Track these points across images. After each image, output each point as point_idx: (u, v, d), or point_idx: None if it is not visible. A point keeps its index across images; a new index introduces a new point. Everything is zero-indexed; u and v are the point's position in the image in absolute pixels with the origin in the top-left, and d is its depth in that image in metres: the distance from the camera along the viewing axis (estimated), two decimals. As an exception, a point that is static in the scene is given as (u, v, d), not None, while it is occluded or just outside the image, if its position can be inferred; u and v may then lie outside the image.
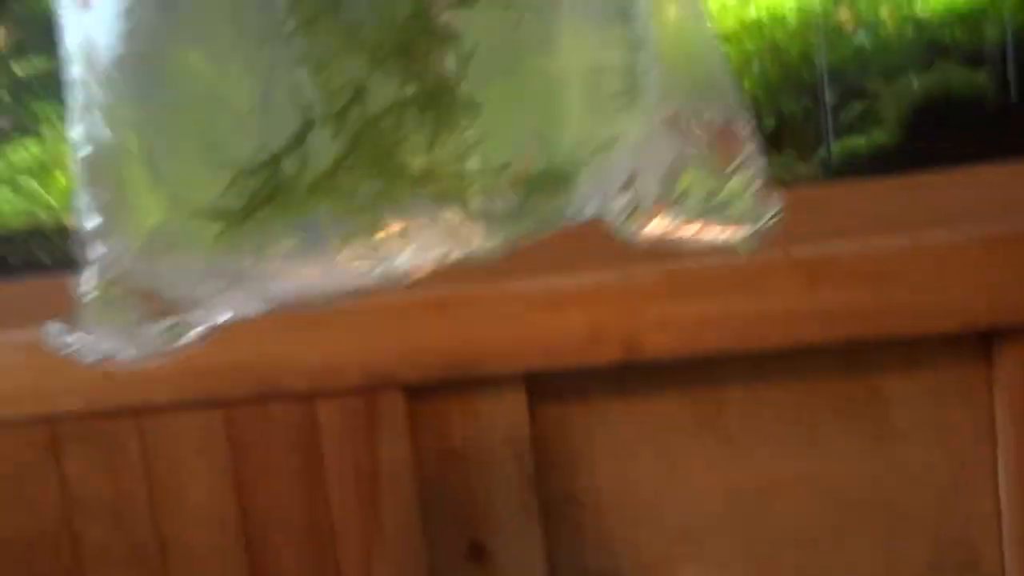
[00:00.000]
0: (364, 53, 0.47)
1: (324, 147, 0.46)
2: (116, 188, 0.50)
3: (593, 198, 0.53)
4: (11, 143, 1.41)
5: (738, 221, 0.59)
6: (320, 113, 0.47)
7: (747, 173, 0.58)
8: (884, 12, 1.24)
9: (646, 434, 1.07)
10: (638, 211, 0.57)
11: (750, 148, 0.59)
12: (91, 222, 0.51)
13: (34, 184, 1.32)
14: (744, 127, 0.59)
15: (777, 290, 1.02)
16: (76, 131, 0.51)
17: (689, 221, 0.58)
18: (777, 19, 1.28)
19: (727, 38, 1.26)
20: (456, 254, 0.51)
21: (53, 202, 1.30)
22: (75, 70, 0.51)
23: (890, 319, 1.02)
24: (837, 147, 1.23)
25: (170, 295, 0.51)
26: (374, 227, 0.48)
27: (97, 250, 0.51)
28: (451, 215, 0.48)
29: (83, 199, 0.51)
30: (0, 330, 1.05)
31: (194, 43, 0.49)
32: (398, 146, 0.47)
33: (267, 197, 0.47)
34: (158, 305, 0.51)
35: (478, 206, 0.49)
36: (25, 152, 1.32)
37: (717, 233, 0.59)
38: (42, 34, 1.15)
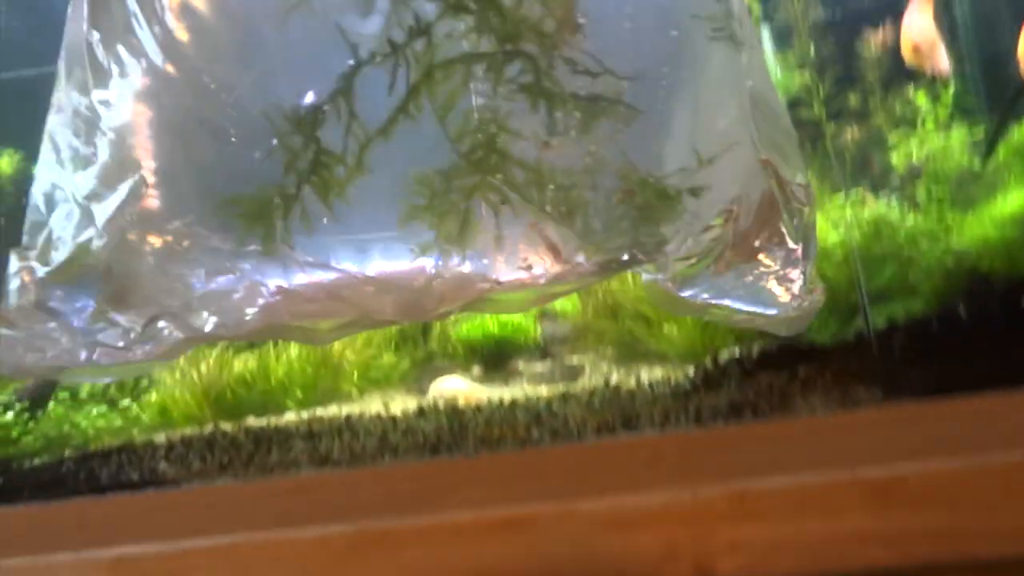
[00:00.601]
0: None
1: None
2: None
3: (684, 234, 0.56)
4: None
5: (783, 301, 0.62)
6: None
7: (799, 255, 0.62)
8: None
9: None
10: (700, 264, 0.60)
11: (807, 229, 0.63)
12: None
13: (127, 402, 1.39)
14: (807, 202, 0.62)
15: (848, 512, 1.02)
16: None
17: (738, 291, 0.61)
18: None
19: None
20: (553, 271, 0.53)
21: (145, 419, 1.36)
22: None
23: (963, 542, 1.02)
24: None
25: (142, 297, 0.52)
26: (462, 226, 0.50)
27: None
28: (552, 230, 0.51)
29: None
30: (85, 549, 1.08)
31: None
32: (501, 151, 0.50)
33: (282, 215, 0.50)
34: (120, 303, 0.52)
35: (581, 222, 0.52)
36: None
37: (763, 308, 0.61)
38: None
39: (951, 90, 1.84)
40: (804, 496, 1.04)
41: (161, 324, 0.56)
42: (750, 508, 1.03)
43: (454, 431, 1.22)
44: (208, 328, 0.56)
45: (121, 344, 0.55)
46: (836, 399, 1.20)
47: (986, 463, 1.04)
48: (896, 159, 1.71)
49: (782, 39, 2.07)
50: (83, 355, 0.55)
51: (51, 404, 1.51)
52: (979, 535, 1.01)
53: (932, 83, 1.82)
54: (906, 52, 1.76)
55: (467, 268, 0.53)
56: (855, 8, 1.99)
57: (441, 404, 1.34)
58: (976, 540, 1.01)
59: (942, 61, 1.76)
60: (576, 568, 1.04)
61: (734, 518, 1.03)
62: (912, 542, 1.01)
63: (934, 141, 1.69)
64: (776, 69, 2.04)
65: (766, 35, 2.16)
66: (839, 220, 1.44)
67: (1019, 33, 1.89)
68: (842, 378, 1.21)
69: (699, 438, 1.16)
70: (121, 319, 0.55)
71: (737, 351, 1.30)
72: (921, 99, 1.83)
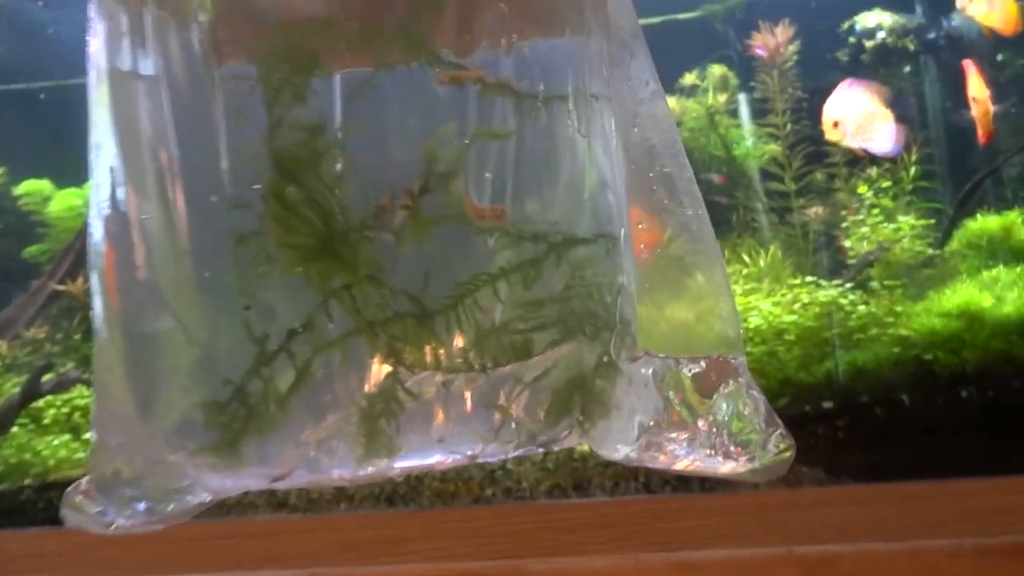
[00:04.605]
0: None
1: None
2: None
3: (611, 422, 0.57)
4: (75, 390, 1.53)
5: (745, 453, 0.64)
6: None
7: (742, 406, 0.64)
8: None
9: None
10: (646, 440, 0.61)
11: (745, 383, 0.65)
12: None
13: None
14: (738, 364, 0.65)
15: (781, 587, 1.06)
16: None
17: (688, 453, 0.63)
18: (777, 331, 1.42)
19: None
20: (487, 453, 0.54)
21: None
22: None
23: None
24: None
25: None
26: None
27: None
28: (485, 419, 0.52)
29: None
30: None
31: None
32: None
33: (242, 426, 0.50)
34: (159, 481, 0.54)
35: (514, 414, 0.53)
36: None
37: (724, 464, 0.63)
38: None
39: (911, 173, 1.90)
40: (742, 569, 1.08)
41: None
42: (688, 578, 1.07)
43: (410, 484, 1.24)
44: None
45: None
46: (780, 476, 1.25)
47: (918, 547, 1.08)
48: (852, 243, 1.77)
49: (757, 111, 2.13)
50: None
51: (13, 429, 1.53)
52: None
53: (882, 162, 1.87)
54: (827, 128, 1.81)
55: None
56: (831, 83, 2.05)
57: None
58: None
59: (882, 140, 1.79)
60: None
61: (672, 588, 1.07)
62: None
63: (886, 231, 1.75)
64: (749, 140, 2.11)
65: (743, 106, 2.23)
66: (793, 301, 1.50)
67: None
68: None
69: (646, 506, 1.20)
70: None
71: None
72: (885, 183, 1.89)
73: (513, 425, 0.52)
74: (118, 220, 0.50)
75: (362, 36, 0.49)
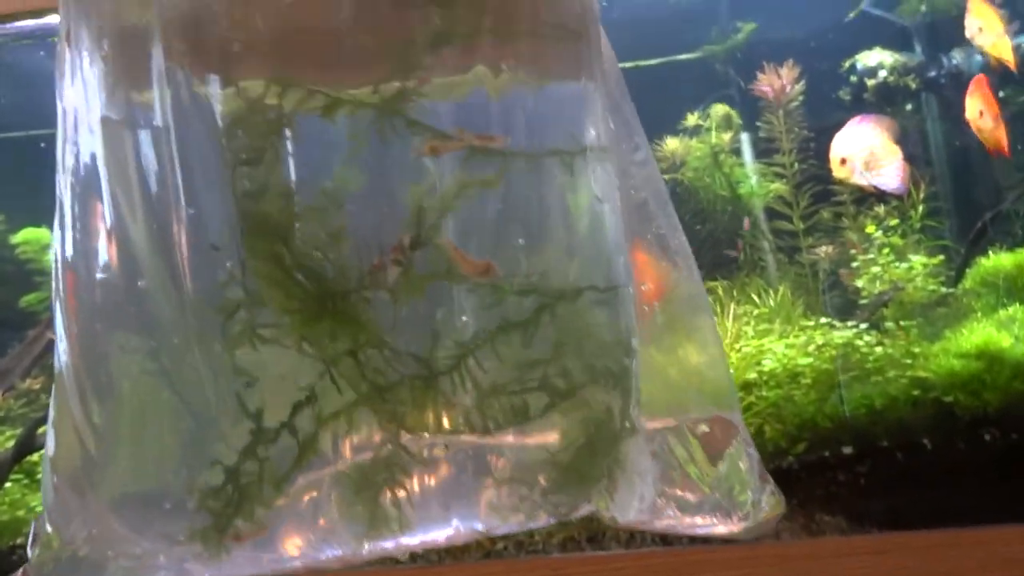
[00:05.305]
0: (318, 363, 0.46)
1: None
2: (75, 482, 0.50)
3: (600, 488, 0.55)
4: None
5: (740, 513, 0.61)
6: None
7: (741, 466, 0.62)
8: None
9: None
10: (642, 505, 0.59)
11: (743, 441, 0.63)
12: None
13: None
14: (737, 423, 0.63)
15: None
16: (48, 432, 0.52)
17: (690, 514, 0.61)
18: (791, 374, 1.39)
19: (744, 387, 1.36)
20: (493, 527, 0.51)
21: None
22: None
23: None
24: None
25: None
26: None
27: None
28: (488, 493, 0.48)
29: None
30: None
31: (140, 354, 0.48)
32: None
33: (233, 511, 0.46)
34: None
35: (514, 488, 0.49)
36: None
37: (718, 524, 0.61)
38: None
39: (919, 211, 1.88)
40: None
41: None
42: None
43: (418, 538, 1.20)
44: None
45: None
46: (801, 525, 1.21)
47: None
48: (864, 283, 1.75)
49: (762, 150, 2.12)
50: None
51: (6, 484, 1.49)
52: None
53: (890, 200, 1.85)
54: (834, 165, 1.79)
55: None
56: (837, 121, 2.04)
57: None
58: None
59: (891, 176, 1.77)
60: None
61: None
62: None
63: (898, 270, 1.73)
64: (754, 178, 2.10)
65: (746, 145, 2.23)
66: (808, 343, 1.47)
67: (989, 157, 1.96)
68: (808, 504, 1.22)
69: (664, 559, 1.16)
70: None
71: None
72: (892, 220, 1.87)
73: (532, 496, 0.49)
74: (110, 286, 0.47)
75: (366, 50, 0.46)
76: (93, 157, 0.46)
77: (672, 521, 0.61)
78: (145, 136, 0.45)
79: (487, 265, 0.49)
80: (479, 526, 0.50)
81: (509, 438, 0.49)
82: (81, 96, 0.46)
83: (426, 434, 0.47)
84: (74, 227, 0.48)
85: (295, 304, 0.45)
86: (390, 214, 0.49)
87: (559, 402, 0.51)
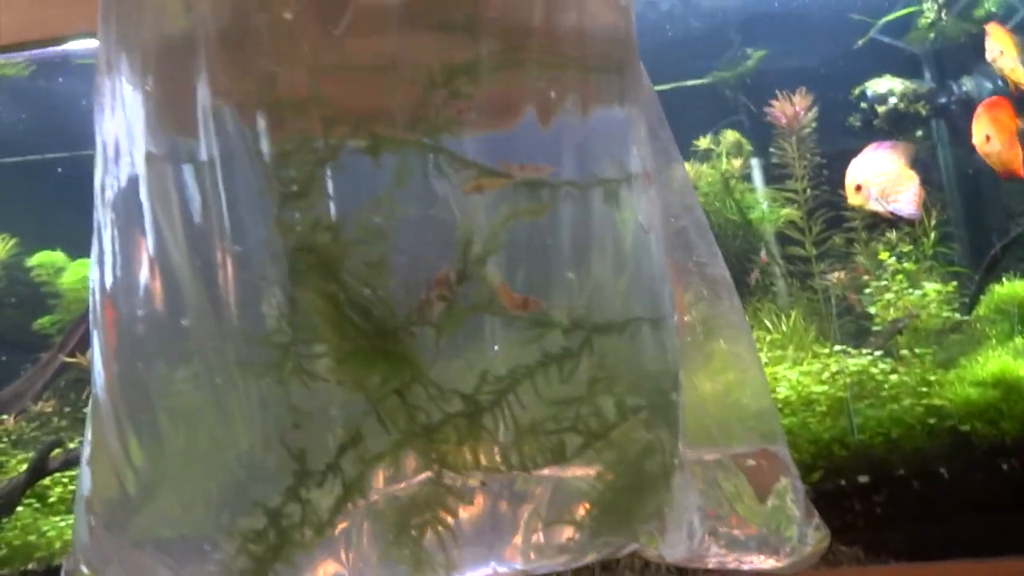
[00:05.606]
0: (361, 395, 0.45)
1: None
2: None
3: (647, 524, 0.53)
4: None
5: (786, 547, 0.60)
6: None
7: (789, 501, 0.61)
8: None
9: None
10: (692, 543, 0.58)
11: (790, 475, 0.62)
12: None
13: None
14: (783, 456, 0.61)
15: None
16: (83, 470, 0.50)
17: (738, 551, 0.59)
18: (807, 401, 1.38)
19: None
20: (536, 568, 0.50)
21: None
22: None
23: None
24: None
25: None
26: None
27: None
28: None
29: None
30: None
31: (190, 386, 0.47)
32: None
33: (273, 556, 0.45)
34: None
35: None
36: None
37: (767, 560, 0.59)
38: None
39: (931, 238, 1.87)
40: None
41: None
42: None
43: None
44: None
45: None
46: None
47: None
48: (878, 309, 1.73)
49: (773, 176, 2.12)
50: None
51: (19, 508, 1.48)
52: None
53: (902, 226, 1.84)
54: (849, 191, 1.79)
55: None
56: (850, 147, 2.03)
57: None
58: None
59: (907, 202, 1.77)
60: None
61: None
62: None
63: (912, 298, 1.72)
64: (765, 204, 2.09)
65: (756, 171, 2.22)
66: (822, 370, 1.46)
67: (999, 184, 1.95)
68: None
69: (679, 588, 1.15)
70: None
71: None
72: (905, 247, 1.87)
73: (580, 535, 0.48)
74: (152, 321, 0.47)
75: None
76: (136, 191, 0.46)
77: (720, 558, 0.60)
78: (189, 170, 0.45)
79: (525, 300, 0.49)
80: (520, 566, 0.49)
81: (554, 475, 0.48)
82: (123, 129, 0.46)
83: (468, 472, 0.46)
84: (114, 260, 0.48)
85: (347, 342, 0.44)
86: (435, 248, 0.48)
87: (606, 437, 0.50)
